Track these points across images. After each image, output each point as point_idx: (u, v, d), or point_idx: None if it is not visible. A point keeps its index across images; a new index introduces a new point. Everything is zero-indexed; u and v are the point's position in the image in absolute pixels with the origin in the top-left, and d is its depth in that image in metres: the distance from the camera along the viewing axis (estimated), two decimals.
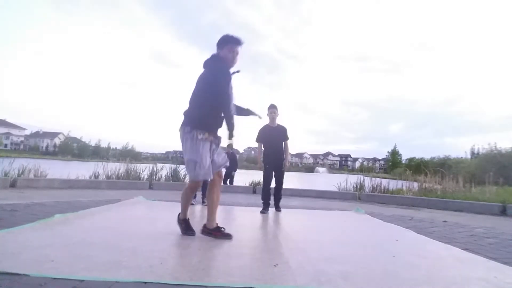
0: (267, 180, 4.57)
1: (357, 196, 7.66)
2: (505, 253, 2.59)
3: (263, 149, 4.68)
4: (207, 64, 2.60)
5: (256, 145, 4.75)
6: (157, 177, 8.47)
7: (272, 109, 4.55)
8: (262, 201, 4.51)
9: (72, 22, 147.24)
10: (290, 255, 2.22)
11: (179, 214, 2.71)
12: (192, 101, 2.57)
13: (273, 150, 4.56)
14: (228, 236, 2.56)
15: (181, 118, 2.58)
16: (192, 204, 4.72)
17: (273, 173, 4.59)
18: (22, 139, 77.13)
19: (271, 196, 4.57)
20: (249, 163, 51.63)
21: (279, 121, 4.67)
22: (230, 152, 10.13)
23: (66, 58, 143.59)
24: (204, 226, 2.64)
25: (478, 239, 3.17)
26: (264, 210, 4.39)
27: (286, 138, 4.61)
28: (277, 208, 4.56)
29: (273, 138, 4.56)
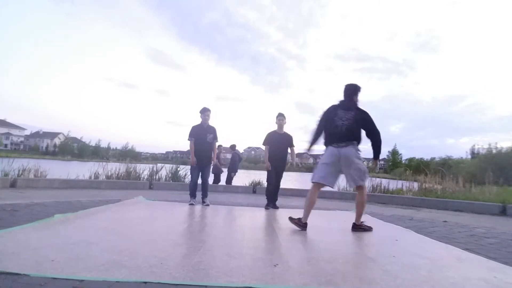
0: (270, 180, 5.07)
1: None
2: (505, 253, 2.59)
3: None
4: (359, 109, 3.35)
5: (262, 147, 5.24)
6: (157, 177, 8.49)
7: (280, 117, 5.06)
8: (266, 198, 5.04)
9: (71, 21, 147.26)
10: (290, 255, 2.22)
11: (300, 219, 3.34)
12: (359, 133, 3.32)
13: (276, 154, 5.01)
14: (370, 229, 3.36)
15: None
16: (192, 204, 4.74)
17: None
18: (22, 139, 77.02)
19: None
20: (249, 163, 51.54)
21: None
22: (233, 153, 10.08)
23: (66, 57, 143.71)
24: (354, 224, 3.39)
25: (478, 239, 3.17)
26: (268, 206, 4.90)
27: (292, 145, 5.13)
28: (274, 206, 4.96)
29: (278, 144, 5.06)
